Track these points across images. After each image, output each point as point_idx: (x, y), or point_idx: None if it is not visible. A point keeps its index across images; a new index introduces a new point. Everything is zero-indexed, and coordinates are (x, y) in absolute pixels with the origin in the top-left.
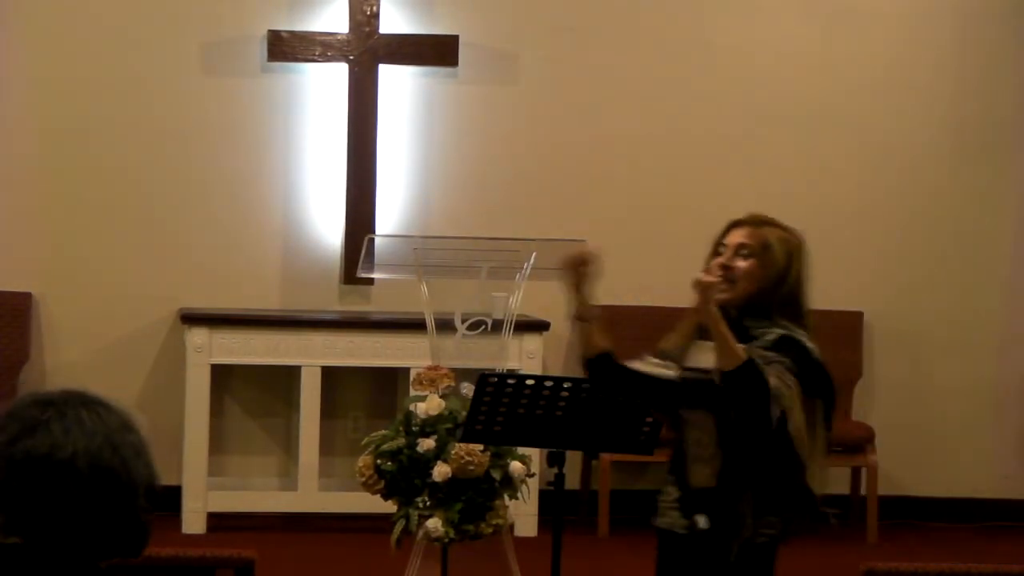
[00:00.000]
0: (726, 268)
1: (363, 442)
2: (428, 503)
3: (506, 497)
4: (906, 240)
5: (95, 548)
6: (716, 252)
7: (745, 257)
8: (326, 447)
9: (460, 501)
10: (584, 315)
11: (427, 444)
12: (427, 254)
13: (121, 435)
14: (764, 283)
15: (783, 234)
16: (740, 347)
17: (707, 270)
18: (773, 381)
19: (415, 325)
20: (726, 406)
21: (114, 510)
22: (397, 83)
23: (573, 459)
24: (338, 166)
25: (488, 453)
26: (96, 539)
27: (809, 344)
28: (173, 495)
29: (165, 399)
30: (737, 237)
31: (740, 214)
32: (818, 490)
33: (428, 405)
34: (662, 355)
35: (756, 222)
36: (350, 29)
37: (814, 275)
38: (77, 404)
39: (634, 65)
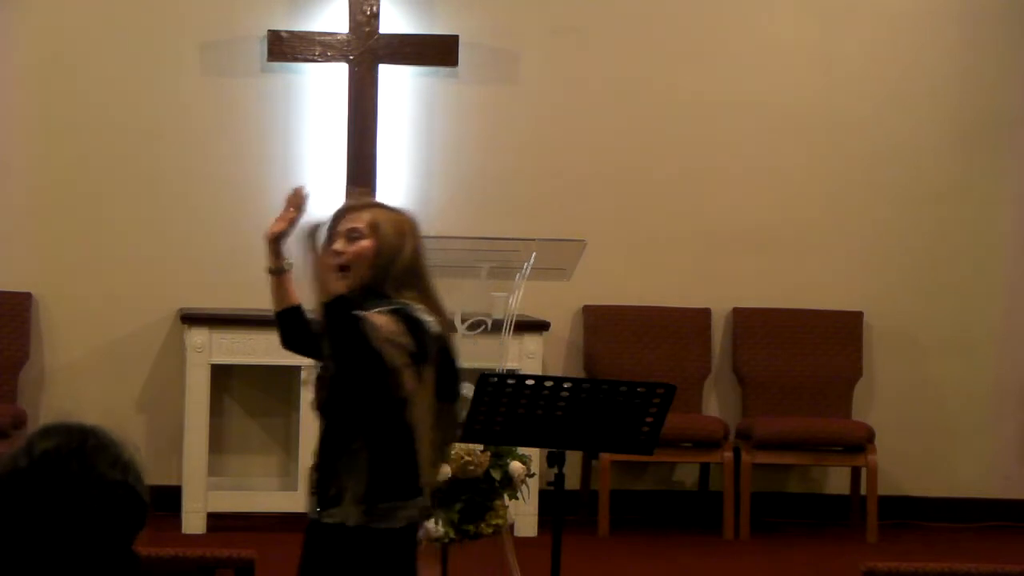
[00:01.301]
0: (338, 254)
1: None
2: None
3: (506, 497)
4: (906, 240)
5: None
6: (331, 239)
7: (356, 240)
8: None
9: (460, 501)
10: (278, 269)
11: None
12: (427, 254)
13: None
14: (378, 262)
15: (392, 214)
16: (338, 287)
17: (323, 259)
18: (378, 322)
19: None
20: (327, 347)
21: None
22: (397, 83)
23: (573, 459)
24: (338, 166)
25: (488, 453)
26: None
27: (425, 317)
28: (173, 495)
29: (165, 399)
30: (348, 223)
31: (744, 215)
32: (428, 477)
33: None
34: None
35: (364, 206)
36: (350, 29)
37: (815, 275)
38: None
39: (634, 65)
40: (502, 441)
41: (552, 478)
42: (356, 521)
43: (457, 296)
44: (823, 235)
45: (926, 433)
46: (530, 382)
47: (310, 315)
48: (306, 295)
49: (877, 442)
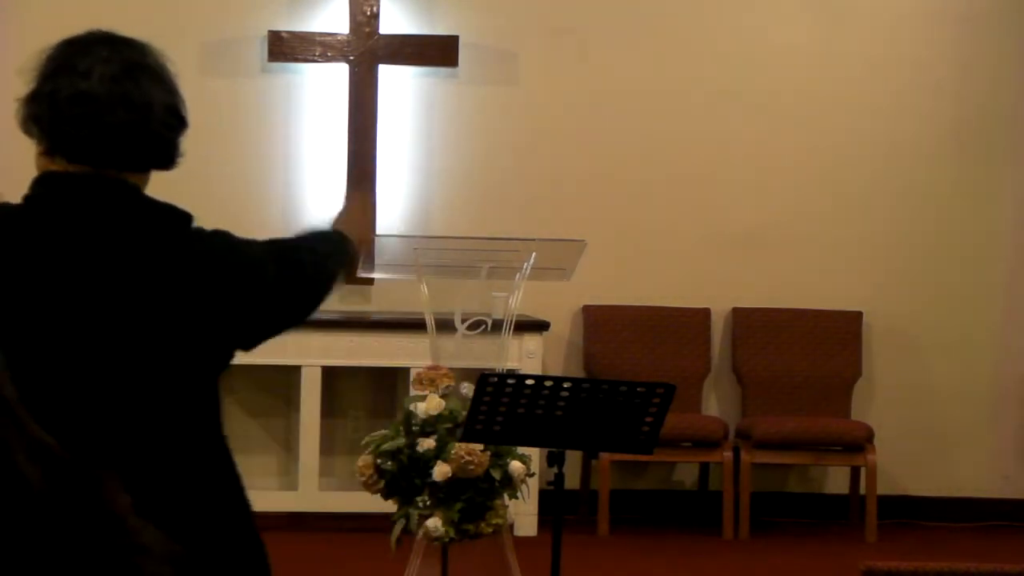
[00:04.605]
0: None
1: (363, 442)
2: (428, 503)
3: (506, 497)
4: (906, 240)
5: (129, 162)
6: None
7: None
8: (326, 447)
9: (460, 501)
10: None
11: (427, 444)
12: (427, 254)
13: (140, 63)
14: None
15: None
16: None
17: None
18: None
19: (415, 325)
20: None
21: (135, 128)
22: (397, 83)
23: (573, 459)
24: (338, 166)
25: (488, 453)
26: (126, 154)
27: None
28: None
29: None
30: None
31: (743, 215)
32: None
33: (428, 405)
34: None
35: None
36: (350, 29)
37: (814, 275)
38: (100, 41)
39: (634, 65)
40: (502, 441)
41: (552, 478)
42: None
43: (457, 296)
44: (823, 235)
45: (925, 433)
46: (530, 382)
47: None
48: None
49: (876, 442)
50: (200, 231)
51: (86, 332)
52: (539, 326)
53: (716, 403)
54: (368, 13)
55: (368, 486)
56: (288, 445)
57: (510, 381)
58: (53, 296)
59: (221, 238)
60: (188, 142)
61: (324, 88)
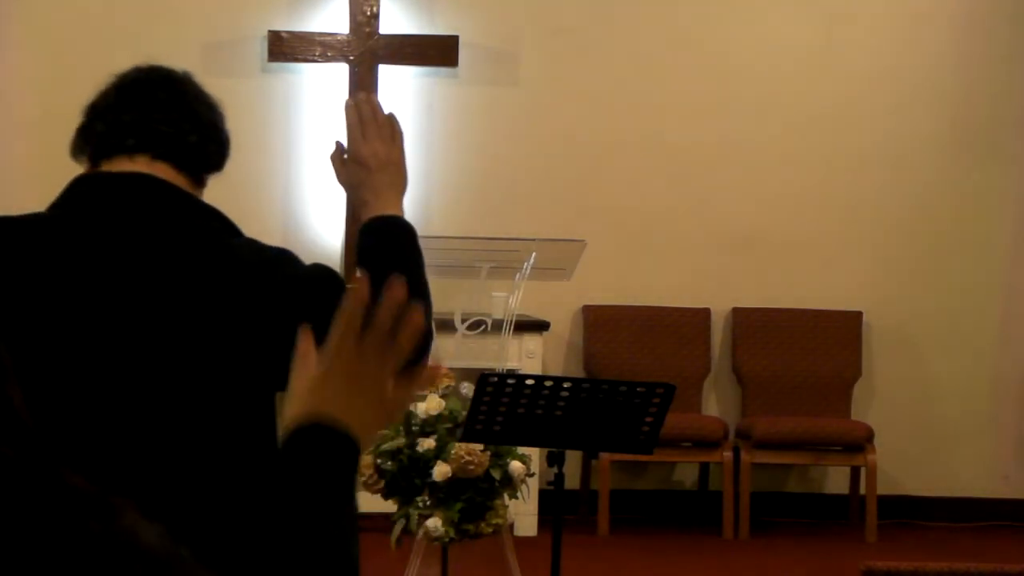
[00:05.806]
0: None
1: None
2: (428, 503)
3: (506, 497)
4: (906, 240)
5: (207, 164)
6: None
7: None
8: None
9: (460, 501)
10: None
11: (427, 444)
12: (427, 254)
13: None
14: None
15: None
16: None
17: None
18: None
19: None
20: None
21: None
22: (397, 83)
23: (573, 459)
24: None
25: (488, 453)
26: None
27: None
28: None
29: None
30: None
31: (744, 215)
32: None
33: (428, 405)
34: None
35: None
36: (350, 29)
37: (814, 275)
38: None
39: (634, 66)
40: (502, 441)
41: (552, 478)
42: None
43: (457, 296)
44: (823, 235)
45: (926, 433)
46: (530, 382)
47: None
48: None
49: (876, 442)
50: (251, 241)
51: (126, 342)
52: (539, 326)
53: (716, 403)
54: (368, 13)
55: (368, 486)
56: None
57: (510, 381)
58: (110, 301)
59: (272, 247)
60: None
61: (324, 88)
